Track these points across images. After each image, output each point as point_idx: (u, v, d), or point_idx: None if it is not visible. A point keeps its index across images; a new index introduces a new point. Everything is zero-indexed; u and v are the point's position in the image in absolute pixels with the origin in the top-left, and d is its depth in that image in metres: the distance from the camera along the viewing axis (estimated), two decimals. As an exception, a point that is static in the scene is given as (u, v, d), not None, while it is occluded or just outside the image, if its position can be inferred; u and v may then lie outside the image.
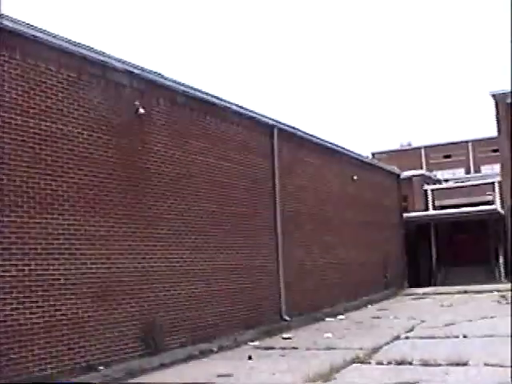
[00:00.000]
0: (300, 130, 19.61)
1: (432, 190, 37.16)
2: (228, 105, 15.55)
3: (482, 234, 31.89)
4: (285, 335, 14.37)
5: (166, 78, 13.23)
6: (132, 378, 10.01)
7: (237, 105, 15.95)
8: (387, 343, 12.26)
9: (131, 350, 11.35)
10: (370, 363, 10.17)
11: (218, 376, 9.71)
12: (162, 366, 10.99)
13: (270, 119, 17.68)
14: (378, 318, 17.51)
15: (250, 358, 11.36)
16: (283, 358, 11.35)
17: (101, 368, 10.36)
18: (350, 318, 17.81)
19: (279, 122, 18.11)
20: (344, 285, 21.38)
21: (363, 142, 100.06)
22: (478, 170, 57.83)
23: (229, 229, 15.08)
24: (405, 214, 31.08)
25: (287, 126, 18.69)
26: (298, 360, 10.98)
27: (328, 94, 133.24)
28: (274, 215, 17.35)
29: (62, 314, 10.09)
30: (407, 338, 13.09)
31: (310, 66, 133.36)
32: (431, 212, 34.99)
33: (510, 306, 18.13)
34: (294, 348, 12.41)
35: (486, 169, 55.66)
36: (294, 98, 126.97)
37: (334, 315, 18.34)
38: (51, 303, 9.92)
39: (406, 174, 34.06)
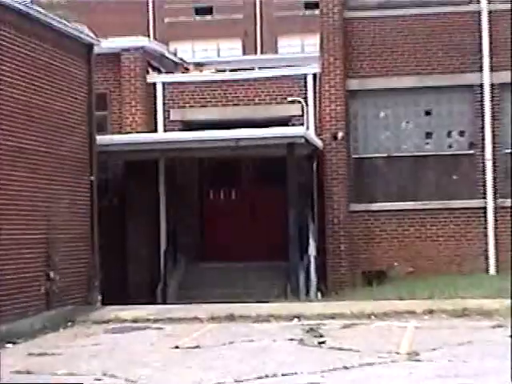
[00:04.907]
0: None
1: (166, 86, 36.71)
2: None
3: (275, 190, 32.75)
4: None
5: None
6: None
7: None
8: None
9: None
10: None
11: None
12: None
13: None
14: (28, 373, 17.01)
15: None
16: None
17: None
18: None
19: None
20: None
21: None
22: (271, 47, 60.49)
23: None
24: (100, 138, 29.81)
25: None
26: None
27: None
28: None
29: None
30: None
31: None
32: (162, 135, 34.91)
33: (322, 349, 18.96)
34: None
35: (287, 44, 58.36)
36: None
37: None
38: None
39: (108, 44, 33.34)
